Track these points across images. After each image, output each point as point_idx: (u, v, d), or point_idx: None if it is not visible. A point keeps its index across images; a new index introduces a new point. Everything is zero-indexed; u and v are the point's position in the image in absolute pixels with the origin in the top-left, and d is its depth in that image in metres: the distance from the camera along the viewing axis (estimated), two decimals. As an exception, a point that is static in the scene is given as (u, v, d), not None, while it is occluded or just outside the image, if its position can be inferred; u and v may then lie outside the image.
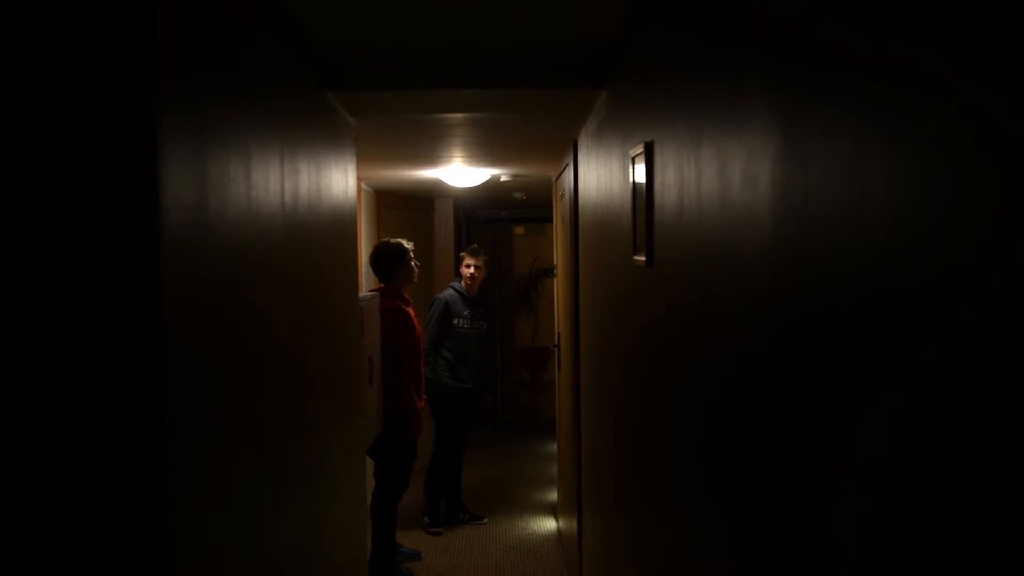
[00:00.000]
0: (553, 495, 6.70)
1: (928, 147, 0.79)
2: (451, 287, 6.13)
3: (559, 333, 5.65)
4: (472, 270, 6.04)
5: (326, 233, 2.84)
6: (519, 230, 11.58)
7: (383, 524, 5.02)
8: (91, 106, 1.21)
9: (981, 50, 0.70)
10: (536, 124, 4.09)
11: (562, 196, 5.31)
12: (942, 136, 0.77)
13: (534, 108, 3.48)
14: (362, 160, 4.97)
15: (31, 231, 1.21)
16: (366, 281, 6.25)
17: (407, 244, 5.16)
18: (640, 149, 2.22)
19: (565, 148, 4.69)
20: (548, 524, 6.20)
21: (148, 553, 1.24)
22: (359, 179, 6.02)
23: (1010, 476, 0.66)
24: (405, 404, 4.99)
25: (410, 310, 5.15)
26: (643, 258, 2.23)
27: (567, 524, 5.23)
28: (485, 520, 6.23)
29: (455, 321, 5.91)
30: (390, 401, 4.91)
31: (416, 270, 5.23)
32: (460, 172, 6.09)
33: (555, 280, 6.44)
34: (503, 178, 6.52)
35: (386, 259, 5.10)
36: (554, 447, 7.14)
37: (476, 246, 6.29)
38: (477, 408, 6.23)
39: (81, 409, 1.22)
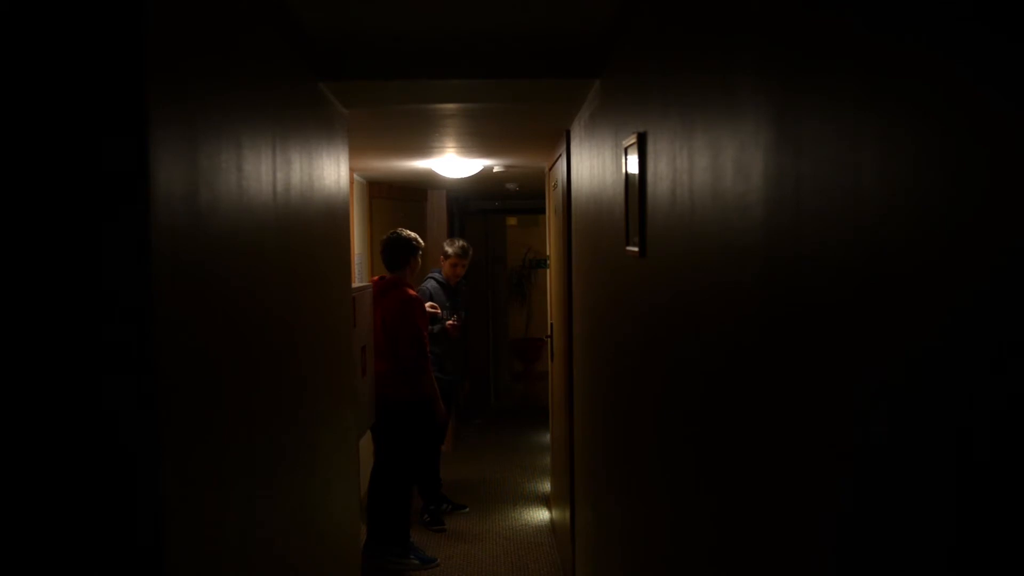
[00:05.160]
0: (546, 485, 6.71)
1: (921, 135, 0.79)
2: (432, 278, 5.96)
3: (552, 324, 5.65)
4: (459, 269, 5.97)
5: (318, 224, 2.84)
6: (512, 221, 11.58)
7: (396, 507, 5.04)
8: (81, 93, 1.21)
9: (976, 37, 0.70)
10: (529, 114, 4.08)
11: (555, 187, 5.31)
12: (936, 124, 0.77)
13: (527, 98, 3.47)
14: (355, 151, 4.97)
15: (20, 221, 1.21)
16: (359, 272, 6.24)
17: (420, 241, 5.29)
18: (633, 140, 2.22)
19: (558, 139, 4.69)
20: (541, 514, 6.21)
21: (141, 540, 1.25)
22: (352, 170, 6.01)
23: (1004, 466, 0.67)
24: (428, 390, 5.08)
25: (420, 298, 5.26)
26: (636, 248, 2.23)
27: (560, 514, 5.24)
28: (467, 508, 6.24)
29: (439, 313, 5.85)
30: (410, 383, 4.96)
31: (419, 267, 5.38)
32: (453, 163, 6.08)
33: (548, 271, 6.44)
34: (496, 169, 6.51)
35: (401, 248, 5.16)
36: (547, 437, 7.15)
37: (465, 245, 6.03)
38: (456, 398, 6.25)
39: (72, 400, 1.22)
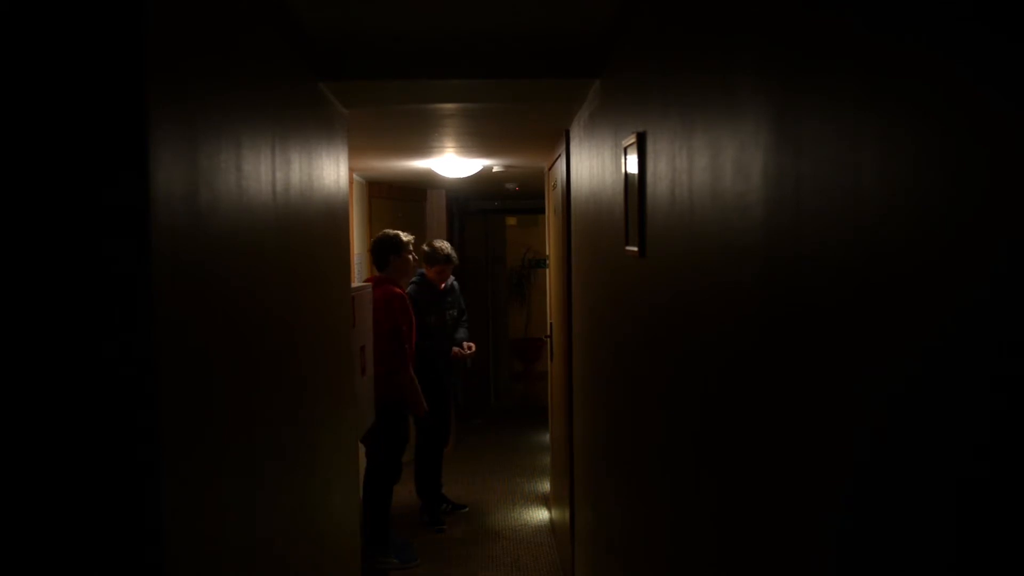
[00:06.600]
0: (546, 485, 6.71)
1: (921, 135, 0.79)
2: (413, 283, 5.77)
3: (551, 324, 5.65)
4: (446, 274, 5.84)
5: (318, 223, 2.84)
6: (512, 221, 11.58)
7: (377, 507, 5.07)
8: (81, 94, 1.21)
9: (976, 37, 0.70)
10: (528, 114, 4.08)
11: (554, 187, 5.31)
12: (936, 124, 0.77)
13: (527, 98, 3.47)
14: (354, 151, 4.98)
15: (20, 221, 1.21)
16: (359, 272, 6.25)
17: (405, 236, 5.25)
18: (632, 139, 2.22)
19: (557, 138, 4.69)
20: (541, 514, 6.21)
21: (141, 540, 1.25)
22: (351, 170, 6.01)
23: (1004, 466, 0.67)
24: (406, 385, 5.05)
25: (404, 296, 5.22)
26: (635, 248, 2.23)
27: (560, 514, 5.25)
28: (466, 508, 6.24)
29: (428, 318, 5.70)
30: (386, 386, 4.95)
31: (413, 263, 5.31)
32: (452, 162, 6.08)
33: (548, 271, 6.44)
34: (495, 168, 6.51)
35: (381, 247, 5.23)
36: (547, 437, 7.15)
37: (449, 252, 5.84)
38: (460, 402, 6.20)
39: (72, 401, 1.22)
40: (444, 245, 5.89)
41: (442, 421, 5.86)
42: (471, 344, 6.00)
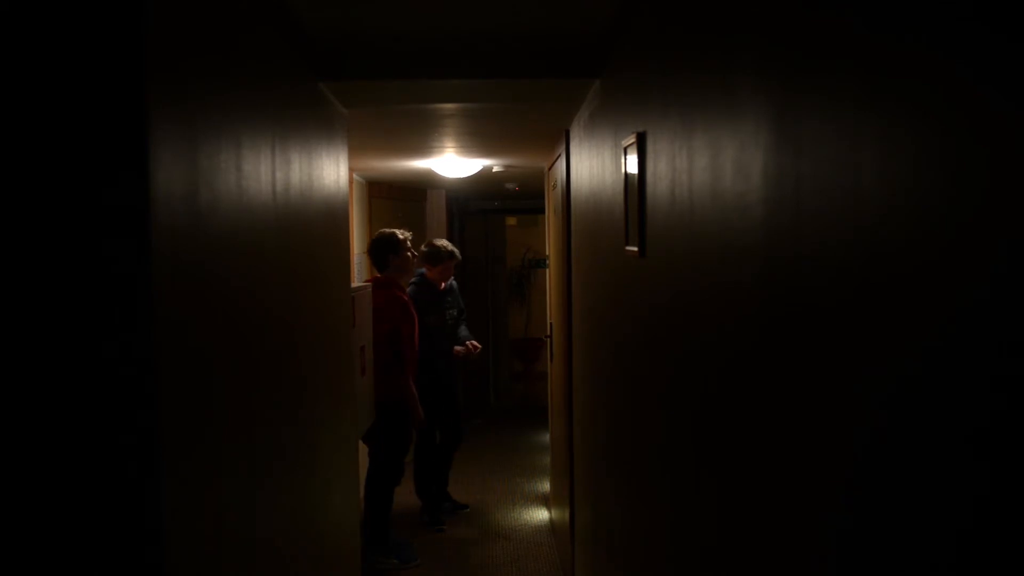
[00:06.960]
0: (546, 485, 6.71)
1: (921, 135, 0.79)
2: (413, 283, 5.67)
3: (551, 324, 5.64)
4: (448, 272, 5.79)
5: (318, 223, 2.84)
6: (512, 221, 11.59)
7: (377, 508, 5.07)
8: (81, 95, 1.21)
9: (976, 37, 0.70)
10: (528, 114, 4.09)
11: (554, 187, 5.31)
12: (936, 124, 0.77)
13: (527, 98, 3.47)
14: (354, 151, 4.97)
15: (20, 224, 1.21)
16: (359, 272, 6.24)
17: (401, 234, 5.18)
18: (632, 139, 2.22)
19: (557, 138, 4.69)
20: (541, 514, 6.21)
21: (141, 540, 1.25)
22: (351, 170, 6.00)
23: (1003, 465, 0.67)
24: (405, 395, 5.03)
25: (406, 299, 5.18)
26: (635, 248, 2.23)
27: (560, 514, 5.24)
28: (468, 508, 6.23)
29: (428, 319, 5.61)
30: (387, 387, 4.93)
31: (412, 260, 5.25)
32: (452, 162, 6.08)
33: (547, 271, 6.43)
34: (496, 169, 6.51)
35: (379, 248, 5.17)
36: (546, 437, 7.15)
37: (453, 250, 5.80)
38: (461, 402, 6.16)
39: (73, 401, 1.22)
40: (445, 243, 5.86)
41: (446, 422, 5.85)
42: (476, 343, 5.96)
